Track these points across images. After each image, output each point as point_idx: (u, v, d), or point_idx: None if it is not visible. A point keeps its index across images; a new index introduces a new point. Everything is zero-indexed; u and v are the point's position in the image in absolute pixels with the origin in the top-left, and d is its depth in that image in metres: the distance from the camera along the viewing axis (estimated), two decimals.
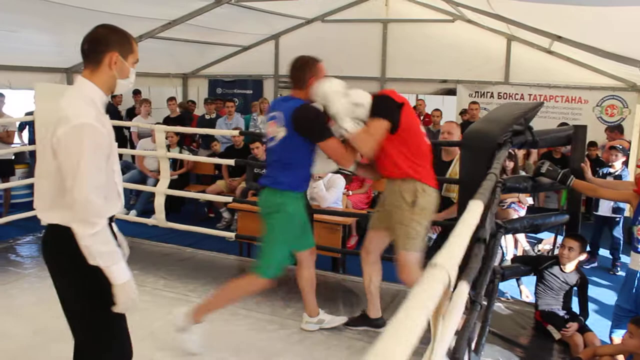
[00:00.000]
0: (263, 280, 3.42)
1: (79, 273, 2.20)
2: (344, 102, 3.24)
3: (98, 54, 2.19)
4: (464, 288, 1.80)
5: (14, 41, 7.71)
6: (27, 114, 8.06)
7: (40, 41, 8.16)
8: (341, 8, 10.82)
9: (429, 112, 10.04)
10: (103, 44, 2.20)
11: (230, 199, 5.83)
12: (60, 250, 2.20)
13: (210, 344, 3.64)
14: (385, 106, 3.30)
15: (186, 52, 10.99)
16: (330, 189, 5.74)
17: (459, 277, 1.74)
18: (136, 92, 10.44)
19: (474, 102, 9.28)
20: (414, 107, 10.77)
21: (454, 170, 4.81)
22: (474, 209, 2.22)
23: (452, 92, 10.53)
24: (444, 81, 10.49)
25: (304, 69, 3.33)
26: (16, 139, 8.54)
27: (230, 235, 5.61)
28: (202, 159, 7.52)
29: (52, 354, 3.42)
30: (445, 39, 10.13)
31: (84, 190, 2.07)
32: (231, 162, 5.74)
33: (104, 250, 2.14)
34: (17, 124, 8.64)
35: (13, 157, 8.19)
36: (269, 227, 3.48)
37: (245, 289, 3.53)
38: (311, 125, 3.26)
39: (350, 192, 6.59)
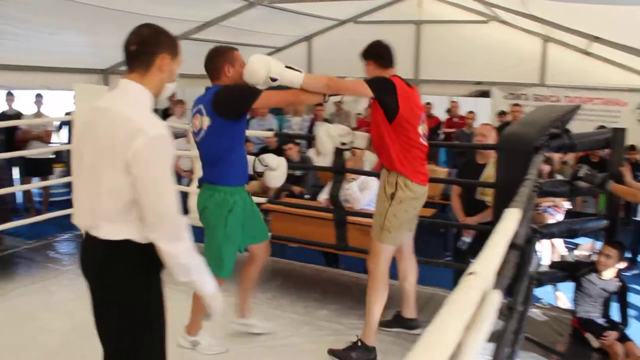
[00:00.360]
0: (221, 279, 3.24)
1: (135, 292, 2.08)
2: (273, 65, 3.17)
3: (149, 56, 2.06)
4: (496, 296, 1.78)
5: (53, 43, 7.88)
6: (67, 114, 8.22)
7: (78, 43, 8.32)
8: (374, 9, 10.79)
9: (463, 114, 9.95)
10: (153, 45, 2.07)
11: (263, 199, 5.85)
12: (121, 268, 2.06)
13: (243, 342, 3.67)
14: (379, 81, 3.30)
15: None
16: (363, 191, 5.72)
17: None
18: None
19: (515, 104, 9.15)
20: (448, 110, 10.72)
21: (488, 173, 4.76)
22: (512, 218, 2.19)
23: (486, 94, 10.43)
24: (478, 83, 10.40)
25: (217, 59, 3.23)
26: (54, 138, 8.71)
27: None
28: None
29: (89, 350, 3.48)
30: (479, 40, 10.04)
31: (170, 206, 1.97)
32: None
33: (196, 263, 2.06)
34: (56, 123, 8.81)
35: (52, 156, 8.35)
36: (206, 225, 3.36)
37: None
38: (234, 95, 3.13)
39: None
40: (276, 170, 3.65)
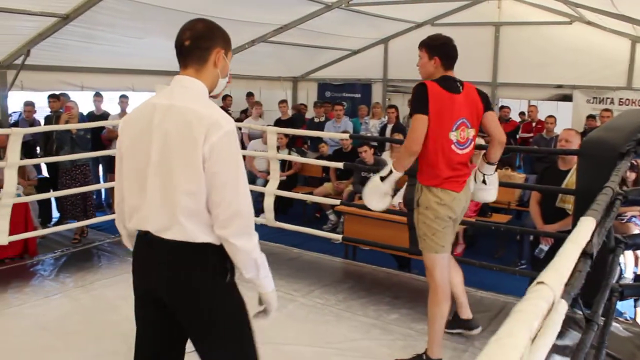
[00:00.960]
0: None
1: (221, 293, 2.04)
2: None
3: (203, 51, 2.00)
4: (562, 307, 1.71)
5: (138, 47, 8.22)
6: None
7: (161, 46, 8.61)
8: (452, 11, 10.60)
9: (542, 119, 9.63)
10: (208, 40, 2.01)
11: (337, 201, 5.88)
12: (205, 271, 2.00)
13: (313, 342, 3.70)
14: (415, 100, 3.23)
15: (296, 56, 11.23)
16: None
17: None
18: (249, 94, 10.76)
19: (606, 109, 8.75)
20: (524, 114, 10.41)
21: (570, 180, 4.61)
22: (586, 226, 2.11)
23: (567, 97, 10.04)
24: (559, 86, 10.04)
25: None
26: None
27: (337, 237, 5.66)
28: (311, 161, 7.66)
29: None
30: (562, 42, 9.67)
31: (246, 201, 1.95)
32: (340, 165, 5.78)
33: (263, 260, 2.03)
34: None
35: None
36: None
37: None
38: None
39: None
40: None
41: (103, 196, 8.81)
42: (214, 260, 1.99)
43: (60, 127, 6.29)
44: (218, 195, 1.91)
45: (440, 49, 3.36)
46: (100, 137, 7.93)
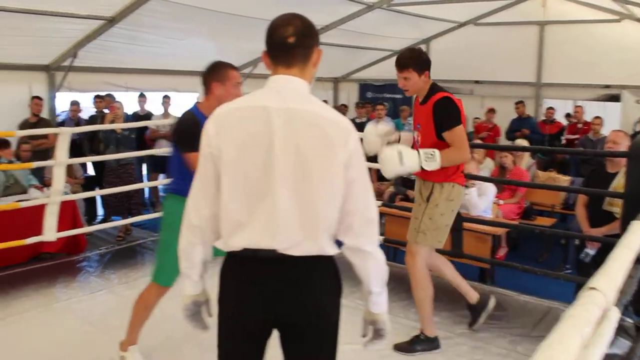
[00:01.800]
0: (162, 288, 3.30)
1: (339, 306, 1.94)
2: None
3: (307, 49, 1.84)
4: (615, 314, 1.66)
5: (181, 48, 8.34)
6: None
7: (204, 47, 8.75)
8: (495, 10, 10.42)
9: (589, 120, 9.39)
10: (310, 38, 1.86)
11: (377, 203, 5.85)
12: (330, 285, 1.90)
13: (353, 345, 3.68)
14: (455, 112, 3.36)
15: (337, 57, 11.21)
16: (480, 197, 5.58)
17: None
18: None
19: None
20: (570, 115, 10.17)
21: (618, 183, 4.48)
22: (638, 231, 2.05)
23: (615, 98, 9.78)
24: (607, 86, 9.78)
25: (208, 73, 3.08)
26: None
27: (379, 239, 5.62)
28: None
29: (209, 338, 3.65)
30: (610, 41, 9.40)
31: (376, 208, 1.86)
32: (380, 166, 5.73)
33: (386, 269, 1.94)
34: None
35: None
36: (162, 232, 3.29)
37: (147, 298, 3.39)
38: (176, 134, 3.14)
39: (502, 202, 6.36)
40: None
41: (147, 195, 8.96)
42: (337, 274, 1.90)
43: (105, 126, 6.43)
44: (353, 202, 1.79)
45: (425, 63, 3.43)
46: (143, 137, 8.06)
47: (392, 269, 5.02)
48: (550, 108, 9.93)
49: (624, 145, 4.55)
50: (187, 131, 2.93)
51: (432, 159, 3.20)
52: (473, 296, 3.89)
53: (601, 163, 4.93)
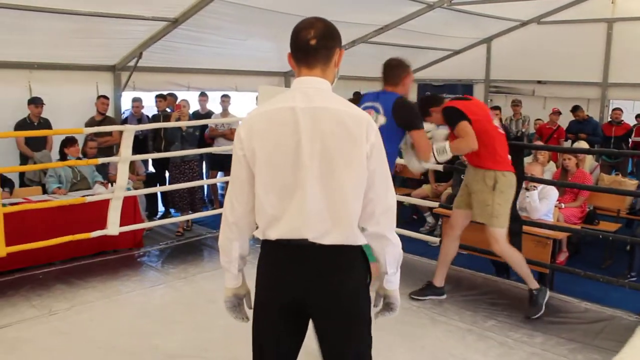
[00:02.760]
0: None
1: (367, 291, 2.05)
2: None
3: (329, 50, 1.96)
4: None
5: (242, 49, 8.48)
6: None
7: (263, 48, 8.86)
8: (560, 8, 10.12)
9: None
10: (332, 39, 1.97)
11: (435, 204, 5.79)
12: (357, 271, 2.01)
13: (407, 346, 3.67)
14: (455, 114, 3.96)
15: (397, 56, 11.13)
16: (542, 200, 5.44)
17: None
18: (356, 94, 10.77)
19: None
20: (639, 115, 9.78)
21: None
22: None
23: None
24: None
25: (400, 69, 3.69)
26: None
27: (435, 240, 5.57)
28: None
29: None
30: None
31: (395, 196, 2.01)
32: (439, 167, 5.67)
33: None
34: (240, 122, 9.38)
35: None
36: None
37: None
38: (410, 114, 3.59)
39: (563, 205, 6.18)
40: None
41: (206, 192, 9.13)
42: (364, 261, 2.02)
43: (168, 124, 6.60)
44: (374, 191, 1.94)
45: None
46: (203, 135, 8.21)
47: (449, 271, 5.02)
48: (617, 109, 9.56)
49: None
50: (415, 111, 3.69)
51: (444, 153, 3.77)
52: (441, 282, 4.45)
53: None
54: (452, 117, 3.96)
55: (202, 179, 7.86)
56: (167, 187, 6.76)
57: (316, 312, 1.99)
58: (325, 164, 1.87)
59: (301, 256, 1.93)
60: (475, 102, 4.25)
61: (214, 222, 7.23)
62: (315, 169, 1.87)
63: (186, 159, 6.96)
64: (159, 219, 7.62)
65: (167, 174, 7.94)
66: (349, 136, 1.87)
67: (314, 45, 1.92)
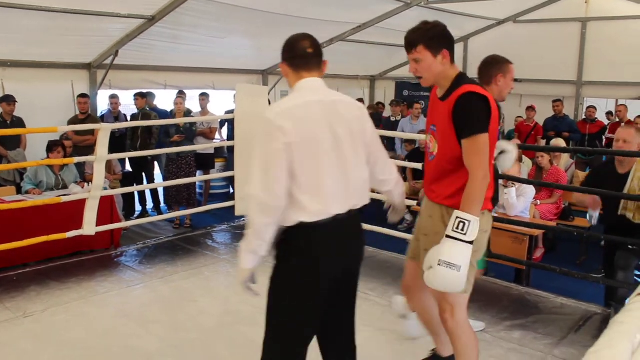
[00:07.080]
0: None
1: None
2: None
3: (321, 58, 2.39)
4: None
5: (220, 46, 8.43)
6: (227, 112, 8.71)
7: (241, 46, 8.82)
8: (535, 7, 10.28)
9: (632, 119, 9.15)
10: (321, 50, 2.44)
11: (413, 202, 5.80)
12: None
13: (389, 340, 3.68)
14: (484, 111, 2.54)
15: (374, 55, 11.18)
16: (519, 197, 5.50)
17: None
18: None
19: None
20: (612, 113, 9.93)
21: (631, 186, 4.24)
22: None
23: None
24: None
25: (491, 65, 3.35)
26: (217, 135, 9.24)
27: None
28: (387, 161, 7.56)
29: (239, 335, 3.71)
30: None
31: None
32: (418, 165, 5.63)
33: None
34: (219, 121, 9.31)
35: (213, 151, 8.87)
36: None
37: None
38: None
39: (539, 202, 6.25)
40: (510, 153, 3.60)
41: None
42: None
43: (145, 123, 6.58)
44: (378, 149, 2.47)
45: (445, 39, 2.68)
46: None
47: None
48: (591, 107, 9.70)
49: (635, 143, 4.23)
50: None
51: (466, 229, 2.44)
52: (449, 349, 2.93)
53: (611, 162, 4.60)
54: (478, 117, 2.53)
55: (196, 175, 7.86)
56: (143, 187, 6.70)
57: (353, 277, 2.46)
58: (354, 146, 2.30)
59: (350, 223, 2.32)
60: None
61: (199, 221, 7.27)
62: (349, 148, 2.27)
63: (182, 155, 7.27)
64: (136, 218, 7.55)
65: (144, 174, 7.90)
66: (361, 122, 2.35)
67: (311, 53, 2.31)
